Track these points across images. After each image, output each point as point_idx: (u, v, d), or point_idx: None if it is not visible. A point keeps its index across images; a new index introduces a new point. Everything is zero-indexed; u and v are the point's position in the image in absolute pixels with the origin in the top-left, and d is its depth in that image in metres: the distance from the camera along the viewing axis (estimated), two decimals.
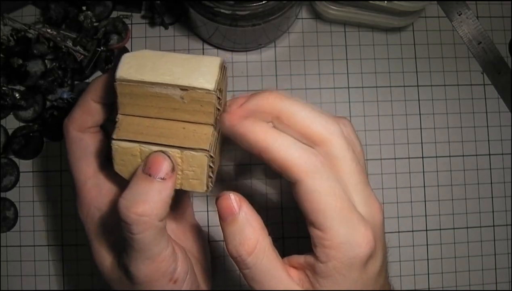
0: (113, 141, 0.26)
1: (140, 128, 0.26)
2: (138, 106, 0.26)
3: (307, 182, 0.24)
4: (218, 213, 0.26)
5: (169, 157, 0.26)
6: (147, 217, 0.25)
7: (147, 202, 0.25)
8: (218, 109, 0.26)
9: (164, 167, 0.25)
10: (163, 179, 0.25)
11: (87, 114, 0.30)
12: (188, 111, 0.26)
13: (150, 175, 0.25)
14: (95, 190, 0.30)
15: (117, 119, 0.26)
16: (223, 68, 0.26)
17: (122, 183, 0.30)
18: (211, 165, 0.26)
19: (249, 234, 0.25)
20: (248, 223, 0.26)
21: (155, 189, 0.25)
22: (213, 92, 0.25)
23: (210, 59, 0.25)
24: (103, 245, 0.30)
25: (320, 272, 0.25)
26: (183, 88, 0.25)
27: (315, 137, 0.25)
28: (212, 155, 0.26)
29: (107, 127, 0.32)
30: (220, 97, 0.26)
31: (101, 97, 0.29)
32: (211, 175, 0.27)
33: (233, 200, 0.26)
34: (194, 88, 0.25)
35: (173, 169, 0.26)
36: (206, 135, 0.26)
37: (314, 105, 0.26)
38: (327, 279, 0.25)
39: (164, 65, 0.25)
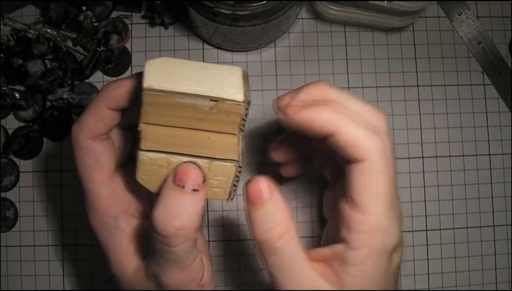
0: (141, 152, 0.25)
1: (166, 138, 0.26)
2: (162, 116, 0.25)
3: (372, 163, 0.25)
4: (248, 196, 0.26)
5: (199, 167, 0.25)
6: (185, 230, 0.24)
7: (183, 215, 0.24)
8: (243, 119, 0.26)
9: (196, 177, 0.25)
10: (195, 190, 0.25)
11: (100, 121, 0.29)
12: (213, 121, 0.26)
13: (182, 186, 0.25)
14: (109, 199, 0.30)
15: (139, 129, 0.26)
16: (246, 78, 0.26)
17: (137, 190, 0.30)
18: (238, 174, 0.26)
19: (279, 219, 0.25)
20: (279, 208, 0.26)
21: (189, 201, 0.25)
22: (243, 104, 0.25)
23: (233, 69, 0.25)
24: (123, 254, 0.29)
25: (351, 260, 0.26)
26: (213, 99, 0.25)
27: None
28: (240, 165, 0.26)
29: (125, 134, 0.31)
30: (248, 108, 0.26)
31: (117, 104, 0.28)
32: (235, 184, 0.27)
33: (265, 185, 0.26)
34: (224, 99, 0.25)
35: (204, 179, 0.25)
36: (232, 146, 0.26)
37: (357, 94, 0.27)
38: (357, 267, 0.26)
39: (190, 75, 0.25)
